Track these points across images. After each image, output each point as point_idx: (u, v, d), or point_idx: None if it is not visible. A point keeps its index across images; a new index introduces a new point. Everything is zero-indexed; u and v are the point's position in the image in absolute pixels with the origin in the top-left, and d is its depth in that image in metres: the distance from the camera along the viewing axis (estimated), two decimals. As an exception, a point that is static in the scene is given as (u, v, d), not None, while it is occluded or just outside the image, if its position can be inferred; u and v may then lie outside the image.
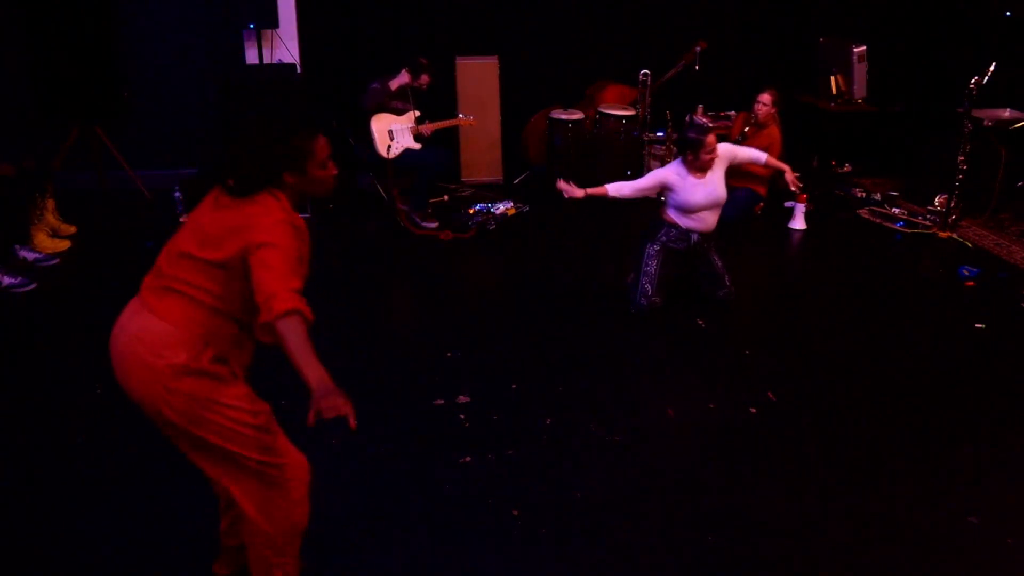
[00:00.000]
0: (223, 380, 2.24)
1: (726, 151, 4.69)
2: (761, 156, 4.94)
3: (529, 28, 7.28)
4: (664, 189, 4.61)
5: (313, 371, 1.94)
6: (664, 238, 4.65)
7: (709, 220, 4.63)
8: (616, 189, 4.67)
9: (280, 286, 2.01)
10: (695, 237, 4.64)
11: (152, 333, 2.19)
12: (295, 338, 1.96)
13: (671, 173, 4.59)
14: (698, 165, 4.50)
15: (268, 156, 2.21)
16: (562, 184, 4.64)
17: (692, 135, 4.51)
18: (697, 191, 4.54)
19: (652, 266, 4.65)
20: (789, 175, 4.99)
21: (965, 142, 5.86)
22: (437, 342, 4.34)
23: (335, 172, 2.35)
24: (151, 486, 3.13)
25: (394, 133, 5.96)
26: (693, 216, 4.60)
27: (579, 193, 4.59)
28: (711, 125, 6.82)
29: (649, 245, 4.67)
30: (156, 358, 2.16)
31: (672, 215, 4.65)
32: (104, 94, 6.27)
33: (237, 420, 2.24)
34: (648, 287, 4.62)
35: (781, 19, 7.52)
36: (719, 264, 4.75)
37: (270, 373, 2.62)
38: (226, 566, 2.67)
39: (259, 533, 2.38)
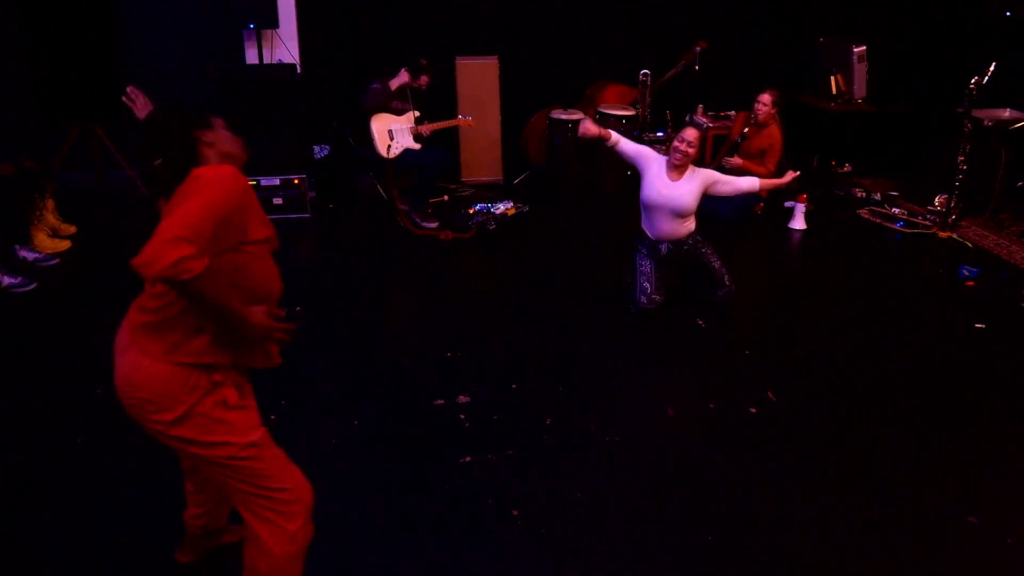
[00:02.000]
0: (214, 415, 2.20)
1: (708, 173, 4.59)
2: (754, 183, 4.76)
3: (529, 28, 7.28)
4: (640, 165, 4.61)
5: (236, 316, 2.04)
6: (643, 249, 4.70)
7: (665, 228, 4.60)
8: (618, 138, 4.65)
9: (158, 241, 1.87)
10: (663, 248, 4.65)
11: (145, 379, 2.16)
12: (199, 297, 1.95)
13: (653, 155, 4.61)
14: (674, 159, 4.47)
15: (178, 154, 2.10)
16: (586, 123, 4.63)
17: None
18: (655, 185, 4.52)
19: (646, 265, 4.66)
20: (788, 179, 4.89)
21: (965, 142, 5.87)
22: (437, 342, 4.34)
23: (245, 157, 2.26)
24: (151, 486, 3.13)
25: (394, 133, 5.96)
26: (652, 216, 4.61)
27: (593, 129, 4.59)
28: (711, 125, 6.86)
29: (637, 253, 4.72)
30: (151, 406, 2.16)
31: (642, 222, 4.70)
32: (104, 94, 6.27)
33: (229, 456, 2.22)
34: (647, 285, 4.62)
35: (781, 19, 7.53)
36: (716, 265, 4.73)
37: (269, 376, 2.61)
38: (190, 552, 2.69)
39: (262, 556, 2.32)
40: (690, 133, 4.48)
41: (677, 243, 4.66)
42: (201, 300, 1.97)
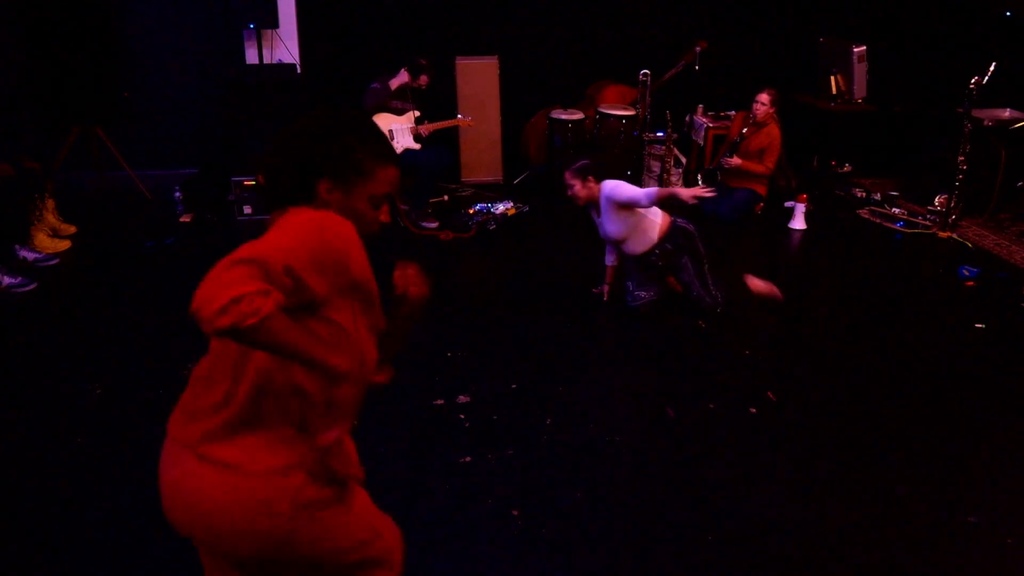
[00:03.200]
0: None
1: (604, 193, 4.44)
2: (636, 193, 4.39)
3: (529, 28, 7.28)
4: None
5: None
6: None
7: (623, 249, 4.67)
8: (610, 271, 4.84)
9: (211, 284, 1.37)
10: (633, 261, 4.71)
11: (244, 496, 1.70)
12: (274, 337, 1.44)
13: (594, 214, 4.70)
14: (577, 203, 4.57)
15: (306, 152, 1.70)
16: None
17: None
18: (599, 228, 4.67)
19: (629, 265, 4.72)
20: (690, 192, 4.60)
21: (965, 142, 5.87)
22: (437, 342, 4.34)
23: (385, 219, 1.87)
24: (151, 486, 3.12)
25: (394, 133, 5.96)
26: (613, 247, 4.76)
27: (605, 290, 4.84)
28: (711, 125, 6.85)
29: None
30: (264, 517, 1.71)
31: None
32: (104, 95, 6.28)
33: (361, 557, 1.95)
34: (629, 284, 4.69)
35: (781, 19, 7.53)
36: (691, 284, 4.63)
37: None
38: None
39: None
40: (566, 175, 4.51)
41: (644, 255, 4.65)
42: (277, 350, 1.46)
